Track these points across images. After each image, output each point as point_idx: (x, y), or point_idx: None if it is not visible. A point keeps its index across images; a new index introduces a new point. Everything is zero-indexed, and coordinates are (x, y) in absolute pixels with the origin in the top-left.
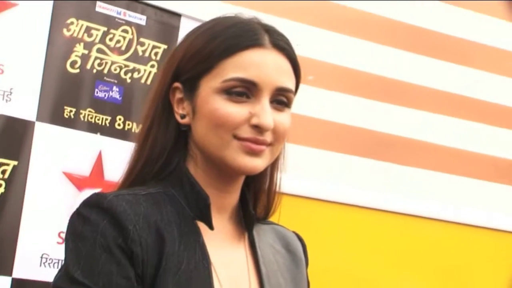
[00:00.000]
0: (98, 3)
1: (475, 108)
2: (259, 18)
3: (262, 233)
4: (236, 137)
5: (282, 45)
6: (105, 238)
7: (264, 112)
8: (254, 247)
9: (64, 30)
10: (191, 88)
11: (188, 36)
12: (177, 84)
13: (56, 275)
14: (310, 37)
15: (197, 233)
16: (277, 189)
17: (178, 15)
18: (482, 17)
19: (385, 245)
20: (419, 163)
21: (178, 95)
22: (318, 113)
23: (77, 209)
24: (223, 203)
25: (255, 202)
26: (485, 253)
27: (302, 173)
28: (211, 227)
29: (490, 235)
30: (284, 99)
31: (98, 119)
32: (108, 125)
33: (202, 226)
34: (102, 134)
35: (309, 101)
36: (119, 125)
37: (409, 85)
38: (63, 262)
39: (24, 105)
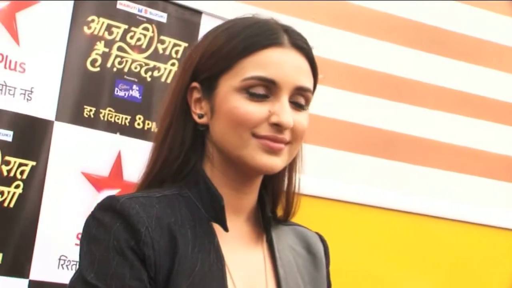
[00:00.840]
0: (119, 1)
1: (484, 106)
2: (276, 19)
3: (282, 234)
4: (255, 135)
5: (301, 45)
6: (118, 241)
7: (284, 110)
8: (273, 249)
9: (85, 28)
10: (209, 87)
11: (206, 36)
12: (195, 84)
13: (72, 277)
14: (320, 36)
15: (212, 235)
16: (297, 190)
17: (199, 13)
18: (500, 17)
19: (394, 244)
20: (429, 162)
21: (196, 95)
22: (327, 112)
23: (92, 212)
24: (240, 204)
25: (274, 203)
26: (495, 252)
27: (310, 172)
28: (225, 228)
29: (500, 234)
30: (303, 99)
31: (118, 119)
32: (127, 124)
33: (217, 227)
34: (121, 133)
35: (318, 99)
36: (138, 124)
37: (418, 84)
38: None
39: (44, 104)
